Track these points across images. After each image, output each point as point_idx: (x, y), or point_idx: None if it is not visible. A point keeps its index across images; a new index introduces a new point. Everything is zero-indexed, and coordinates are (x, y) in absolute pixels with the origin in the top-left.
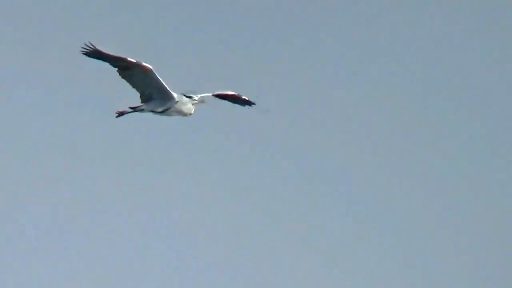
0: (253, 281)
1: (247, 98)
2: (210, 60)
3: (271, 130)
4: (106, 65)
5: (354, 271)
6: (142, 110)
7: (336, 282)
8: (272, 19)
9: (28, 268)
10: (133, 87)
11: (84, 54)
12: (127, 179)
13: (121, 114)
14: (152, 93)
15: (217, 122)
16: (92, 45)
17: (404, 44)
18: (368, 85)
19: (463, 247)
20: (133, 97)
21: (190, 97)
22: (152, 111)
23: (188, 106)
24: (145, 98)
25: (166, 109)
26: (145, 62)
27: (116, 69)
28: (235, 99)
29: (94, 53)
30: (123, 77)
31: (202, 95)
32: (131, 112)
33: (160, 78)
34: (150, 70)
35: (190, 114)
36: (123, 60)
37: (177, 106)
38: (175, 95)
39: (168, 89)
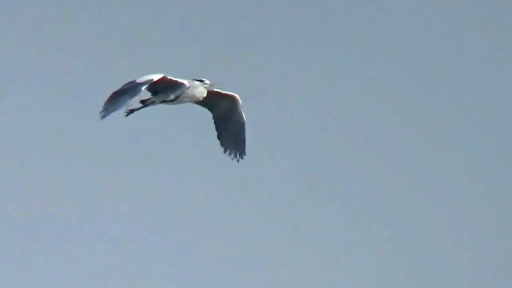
0: (253, 281)
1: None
2: (212, 57)
3: (272, 128)
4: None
5: (355, 270)
6: (153, 103)
7: (336, 281)
8: (273, 17)
9: (28, 268)
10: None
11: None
12: (127, 177)
13: (130, 112)
14: (161, 86)
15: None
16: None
17: (406, 43)
18: (369, 84)
19: (464, 247)
20: None
21: (201, 81)
22: (164, 101)
23: (199, 89)
24: (154, 90)
25: (178, 96)
26: (155, 73)
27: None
28: (232, 112)
29: (112, 102)
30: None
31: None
32: (142, 107)
33: (171, 77)
34: (159, 80)
35: (203, 97)
36: (136, 85)
37: (189, 91)
38: (185, 81)
39: (176, 79)
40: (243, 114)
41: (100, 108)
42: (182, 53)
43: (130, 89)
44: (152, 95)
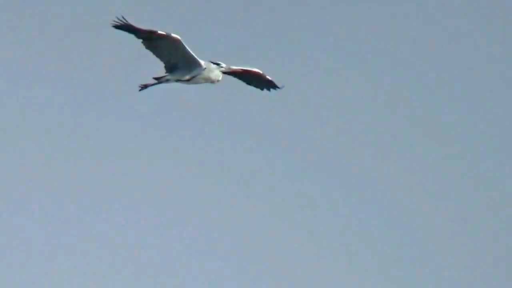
0: (254, 280)
1: (271, 79)
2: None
3: (274, 124)
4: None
5: (356, 269)
6: (167, 81)
7: (337, 280)
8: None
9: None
10: (158, 57)
11: (114, 27)
12: (128, 176)
13: (144, 87)
14: (177, 62)
15: (219, 114)
16: (124, 19)
17: (411, 41)
18: (372, 83)
19: (466, 246)
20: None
21: (217, 64)
22: (179, 80)
23: (215, 72)
24: (170, 67)
25: (194, 77)
26: (173, 33)
27: (141, 40)
28: (258, 79)
29: (125, 27)
30: (147, 47)
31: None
32: (156, 84)
33: (187, 47)
34: (178, 40)
35: (218, 81)
36: (153, 33)
37: (205, 73)
38: (202, 62)
39: (195, 56)
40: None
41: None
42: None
43: (145, 30)
44: (167, 73)
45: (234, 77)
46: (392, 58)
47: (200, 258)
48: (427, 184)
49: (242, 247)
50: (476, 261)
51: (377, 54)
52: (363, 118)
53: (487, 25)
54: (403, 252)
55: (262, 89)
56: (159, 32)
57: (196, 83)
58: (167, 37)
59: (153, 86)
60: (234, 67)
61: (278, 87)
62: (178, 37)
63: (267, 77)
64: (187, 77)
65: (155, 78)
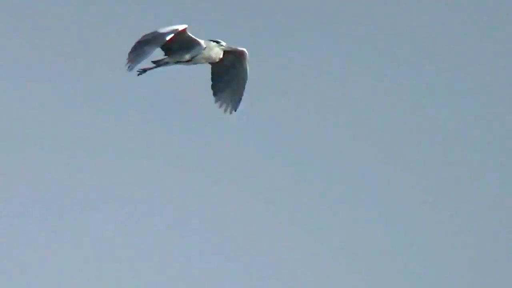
0: (255, 278)
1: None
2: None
3: (274, 123)
4: None
5: (357, 268)
6: (166, 63)
7: (338, 280)
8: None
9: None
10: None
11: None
12: (128, 175)
13: (143, 71)
14: (175, 44)
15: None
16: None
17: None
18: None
19: (467, 247)
20: None
21: (217, 42)
22: (178, 62)
23: (215, 50)
24: (168, 49)
25: (194, 57)
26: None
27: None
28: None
29: (137, 52)
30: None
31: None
32: (155, 67)
33: (190, 34)
34: (184, 30)
35: (219, 58)
36: (161, 35)
37: (205, 52)
38: (201, 41)
39: (194, 37)
40: (248, 71)
41: (125, 61)
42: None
43: (154, 38)
44: (165, 55)
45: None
46: (392, 57)
47: (200, 258)
48: (433, 182)
49: (243, 247)
50: (478, 261)
51: (377, 54)
52: (364, 116)
53: (489, 24)
54: (404, 252)
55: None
56: (165, 31)
57: (196, 63)
58: (176, 31)
59: (152, 70)
60: (232, 46)
61: (234, 108)
62: (185, 27)
63: (247, 65)
64: (187, 57)
65: (154, 62)
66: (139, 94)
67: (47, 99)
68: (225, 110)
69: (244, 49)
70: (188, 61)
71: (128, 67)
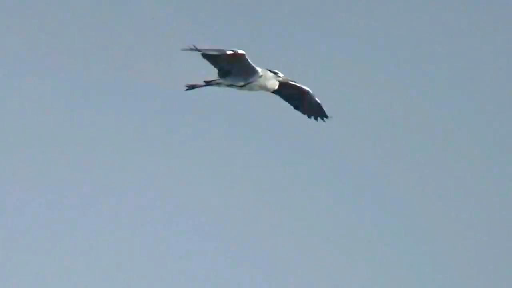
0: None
1: (319, 103)
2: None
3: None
4: None
5: (359, 268)
6: (218, 84)
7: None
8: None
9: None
10: (212, 64)
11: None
12: (129, 174)
13: (191, 87)
14: (232, 69)
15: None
16: (195, 46)
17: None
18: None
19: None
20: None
21: (275, 73)
22: (231, 85)
23: (272, 81)
24: (224, 73)
25: (248, 83)
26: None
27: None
28: (305, 99)
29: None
30: (204, 57)
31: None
32: (204, 86)
33: (248, 59)
34: (242, 55)
35: (274, 89)
36: (223, 53)
37: (261, 80)
38: (259, 69)
39: (252, 64)
40: (317, 100)
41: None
42: None
43: (217, 50)
44: (219, 77)
45: (276, 93)
46: (393, 57)
47: (200, 258)
48: (434, 182)
49: (243, 247)
50: (478, 261)
51: (377, 54)
52: (365, 116)
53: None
54: (405, 252)
55: (304, 113)
56: (227, 52)
57: (250, 89)
58: (234, 55)
59: (201, 88)
60: (290, 79)
61: (325, 116)
62: (243, 52)
63: (316, 99)
64: (242, 83)
65: (206, 82)
66: (139, 95)
67: (47, 99)
68: (317, 120)
69: (308, 89)
70: (241, 86)
71: (191, 48)
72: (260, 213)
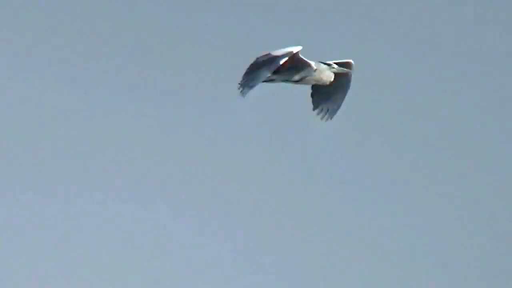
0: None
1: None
2: None
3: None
4: None
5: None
6: (272, 81)
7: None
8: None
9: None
10: None
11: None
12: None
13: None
14: (285, 64)
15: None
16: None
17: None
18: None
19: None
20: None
21: (328, 65)
22: (286, 81)
23: (327, 73)
24: (277, 70)
25: (303, 78)
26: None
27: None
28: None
29: (252, 76)
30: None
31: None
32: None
33: (301, 55)
34: (297, 53)
35: (330, 81)
36: (275, 58)
37: (316, 74)
38: (312, 63)
39: (305, 59)
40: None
41: (237, 85)
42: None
43: (268, 61)
44: (272, 73)
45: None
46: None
47: (202, 258)
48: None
49: (243, 247)
50: (479, 261)
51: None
52: (368, 115)
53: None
54: (406, 251)
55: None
56: (279, 54)
57: (306, 83)
58: (291, 54)
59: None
60: (343, 68)
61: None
62: (299, 49)
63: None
64: (296, 78)
65: None
66: (140, 94)
67: (47, 98)
68: (322, 118)
69: (351, 65)
70: (296, 82)
71: (241, 91)
72: (260, 213)
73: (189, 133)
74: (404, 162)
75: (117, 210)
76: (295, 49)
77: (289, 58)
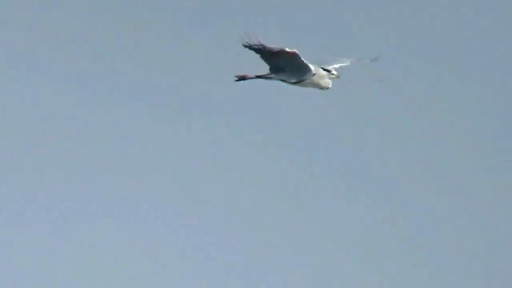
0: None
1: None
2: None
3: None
4: None
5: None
6: (270, 78)
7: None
8: None
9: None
10: (265, 60)
11: (244, 46)
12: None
13: (242, 78)
14: (285, 66)
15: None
16: (259, 42)
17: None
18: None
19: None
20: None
21: (328, 71)
22: (283, 81)
23: (325, 80)
24: (276, 69)
25: (301, 80)
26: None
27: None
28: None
29: (254, 47)
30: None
31: (336, 66)
32: (254, 78)
33: (301, 58)
34: (294, 54)
35: (327, 88)
36: (280, 52)
37: (314, 78)
38: (312, 67)
39: (305, 62)
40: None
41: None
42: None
43: (274, 50)
44: (271, 72)
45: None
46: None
47: (202, 258)
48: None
49: (247, 247)
50: (481, 262)
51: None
52: (368, 115)
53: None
54: (406, 252)
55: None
56: (287, 50)
57: (303, 86)
58: (287, 53)
59: (251, 80)
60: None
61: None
62: (295, 51)
63: None
64: (294, 80)
65: (257, 75)
66: (139, 94)
67: (47, 98)
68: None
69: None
70: (293, 83)
71: (246, 42)
72: (260, 213)
73: (189, 133)
74: (404, 162)
75: (117, 210)
76: (293, 50)
77: (289, 58)
